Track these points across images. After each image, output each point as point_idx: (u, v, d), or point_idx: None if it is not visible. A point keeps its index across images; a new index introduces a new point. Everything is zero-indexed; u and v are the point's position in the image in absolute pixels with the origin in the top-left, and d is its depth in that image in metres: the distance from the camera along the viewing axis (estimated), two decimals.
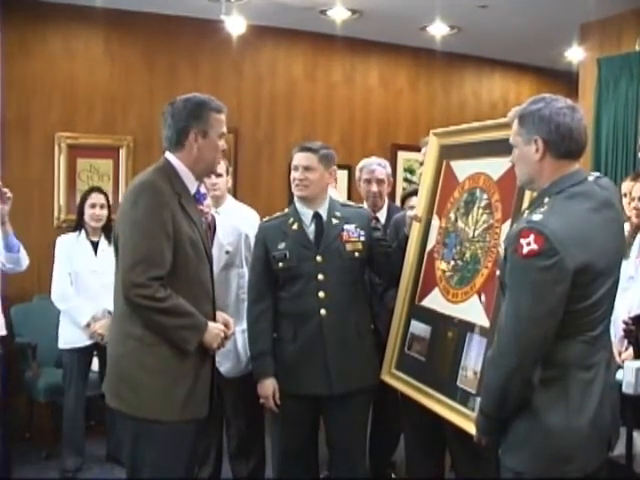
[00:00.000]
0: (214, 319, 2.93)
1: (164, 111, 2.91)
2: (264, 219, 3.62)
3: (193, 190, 2.90)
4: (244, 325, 3.60)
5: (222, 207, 3.99)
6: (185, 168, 2.86)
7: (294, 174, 3.42)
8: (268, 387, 3.39)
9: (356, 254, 3.42)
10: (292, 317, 3.39)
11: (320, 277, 3.35)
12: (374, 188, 4.42)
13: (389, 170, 4.55)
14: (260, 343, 3.43)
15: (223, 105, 2.94)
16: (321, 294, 3.34)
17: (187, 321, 2.72)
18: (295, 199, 3.50)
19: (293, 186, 3.44)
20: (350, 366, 3.36)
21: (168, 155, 2.88)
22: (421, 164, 3.77)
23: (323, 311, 3.34)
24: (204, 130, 2.84)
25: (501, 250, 2.40)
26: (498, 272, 2.41)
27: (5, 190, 4.22)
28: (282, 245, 3.40)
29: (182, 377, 2.74)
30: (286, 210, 3.54)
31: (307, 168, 3.39)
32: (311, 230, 3.43)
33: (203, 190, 3.11)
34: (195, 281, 2.81)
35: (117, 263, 2.78)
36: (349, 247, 3.41)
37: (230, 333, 3.00)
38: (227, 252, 3.80)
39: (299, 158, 3.42)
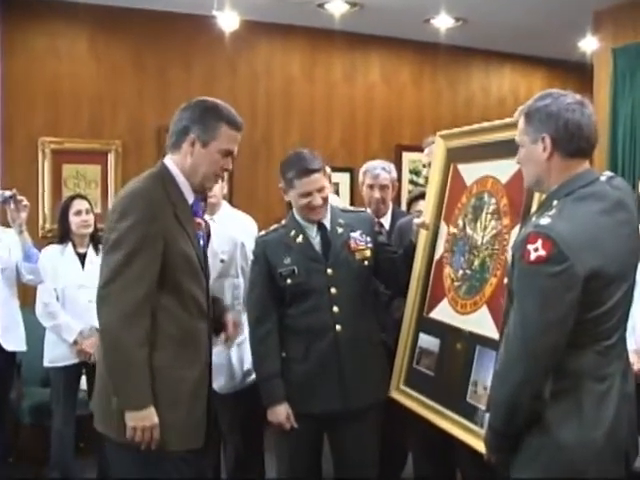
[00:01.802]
0: (210, 337, 2.92)
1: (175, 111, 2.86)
2: (261, 233, 3.60)
3: (191, 200, 2.84)
4: (240, 337, 3.62)
5: (217, 214, 4.01)
6: (181, 175, 2.79)
7: (310, 200, 3.33)
8: (281, 413, 3.36)
9: (365, 262, 3.44)
10: (303, 334, 3.38)
11: (333, 291, 3.36)
12: (377, 194, 4.42)
13: (394, 174, 4.55)
14: (268, 365, 3.40)
15: (241, 122, 2.84)
16: (335, 309, 3.35)
17: (133, 373, 2.62)
18: (296, 210, 3.49)
19: (308, 211, 3.37)
20: (366, 380, 3.38)
21: (166, 160, 2.82)
22: (424, 166, 3.79)
23: (338, 327, 3.34)
24: (205, 139, 2.75)
25: (509, 257, 2.42)
26: (506, 280, 2.43)
27: (21, 198, 4.32)
28: (288, 260, 3.38)
29: (178, 403, 2.71)
30: (283, 222, 3.52)
31: (321, 190, 3.35)
32: (317, 242, 3.42)
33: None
34: (188, 297, 2.76)
35: None
36: (358, 256, 3.42)
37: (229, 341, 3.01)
38: (222, 261, 3.80)
39: (313, 183, 3.32)
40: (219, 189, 4.03)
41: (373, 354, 3.44)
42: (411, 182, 7.76)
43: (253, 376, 3.82)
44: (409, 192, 7.37)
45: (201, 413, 2.82)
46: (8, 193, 4.28)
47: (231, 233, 3.89)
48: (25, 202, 4.32)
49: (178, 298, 2.73)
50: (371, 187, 4.46)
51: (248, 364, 3.81)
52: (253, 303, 3.49)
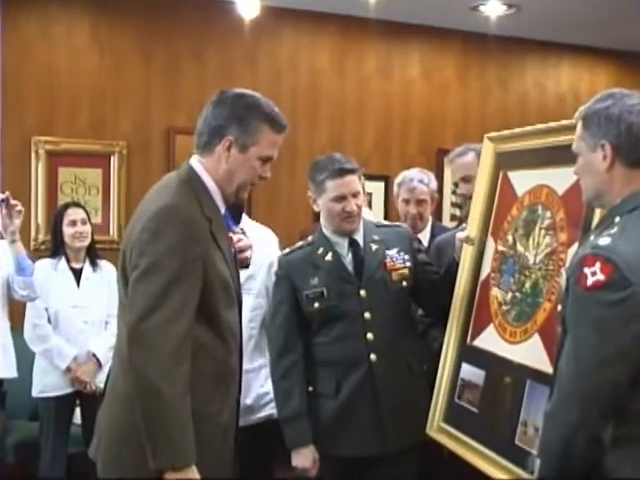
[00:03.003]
0: (240, 374, 2.87)
1: (210, 99, 2.75)
2: (284, 252, 3.62)
3: (223, 211, 2.77)
4: (245, 365, 3.62)
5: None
6: (213, 183, 2.71)
7: (344, 206, 3.37)
8: (307, 457, 3.38)
9: (404, 283, 3.47)
10: (334, 366, 3.41)
11: (367, 316, 3.38)
12: (413, 210, 4.44)
13: (433, 185, 4.55)
14: (292, 403, 3.42)
15: (286, 123, 2.76)
16: (370, 336, 3.37)
17: (177, 428, 2.50)
18: (324, 224, 3.51)
19: (340, 220, 3.40)
20: (407, 417, 3.39)
21: (194, 162, 2.73)
22: (455, 185, 3.80)
23: (373, 356, 3.37)
24: (244, 142, 2.66)
25: (562, 280, 2.40)
26: (559, 307, 2.41)
27: (15, 202, 4.31)
28: (315, 281, 3.41)
29: (206, 451, 2.61)
30: (309, 239, 3.55)
31: (356, 195, 3.39)
32: (349, 260, 3.45)
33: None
34: (225, 329, 2.71)
35: (122, 295, 2.68)
36: (395, 277, 3.45)
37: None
38: (249, 275, 3.79)
39: (347, 185, 3.37)
40: None
41: (413, 387, 3.46)
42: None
43: (258, 415, 3.82)
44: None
45: (228, 459, 2.79)
46: (0, 196, 4.28)
47: (261, 245, 3.90)
48: (19, 207, 4.32)
49: (215, 330, 2.67)
50: (406, 201, 4.47)
51: (250, 399, 3.81)
52: (276, 331, 3.51)
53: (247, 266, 3.18)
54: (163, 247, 2.52)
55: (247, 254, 3.12)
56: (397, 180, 4.58)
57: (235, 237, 2.99)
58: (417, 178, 4.50)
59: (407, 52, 7.68)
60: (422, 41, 7.70)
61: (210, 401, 2.67)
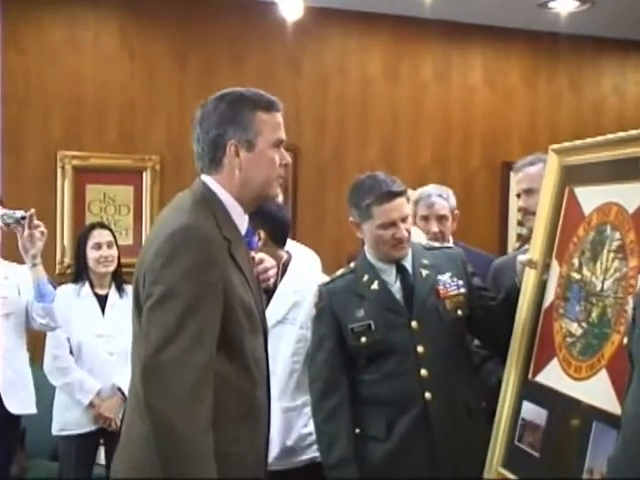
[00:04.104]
0: (269, 409, 2.85)
1: (193, 118, 2.77)
2: (324, 281, 3.62)
3: (244, 229, 2.78)
4: (287, 402, 3.62)
5: None
6: (231, 198, 2.70)
7: (394, 232, 3.37)
8: None
9: (459, 312, 3.45)
10: (384, 406, 3.40)
11: (420, 349, 3.37)
12: (434, 227, 4.49)
13: (453, 202, 4.63)
14: (338, 448, 3.40)
15: (275, 100, 2.75)
16: (423, 372, 3.36)
17: (197, 469, 2.48)
18: (369, 251, 3.50)
19: (390, 248, 3.40)
20: (463, 460, 3.37)
21: (206, 178, 2.74)
22: (518, 196, 3.79)
23: (428, 394, 3.35)
24: (247, 138, 2.66)
25: (629, 309, 2.37)
26: (626, 339, 2.38)
27: (38, 223, 4.30)
28: (361, 313, 3.41)
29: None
30: (352, 265, 3.55)
31: (405, 219, 3.40)
32: (397, 288, 3.44)
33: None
34: (250, 360, 2.68)
35: (136, 326, 2.67)
36: (449, 305, 3.44)
37: None
38: (295, 303, 3.81)
39: (397, 209, 3.37)
40: None
41: (471, 427, 3.44)
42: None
43: (300, 457, 3.81)
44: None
45: None
46: (20, 214, 4.25)
47: (308, 270, 3.89)
48: (42, 228, 4.31)
49: (239, 362, 2.66)
50: (426, 219, 4.53)
51: (292, 440, 3.80)
52: (318, 369, 3.50)
53: (273, 288, 3.18)
54: (178, 271, 2.50)
55: (270, 273, 3.12)
56: (413, 197, 4.61)
57: (257, 257, 3.00)
58: (436, 193, 4.59)
59: (468, 55, 7.69)
60: (484, 43, 7.70)
61: (236, 439, 2.65)
